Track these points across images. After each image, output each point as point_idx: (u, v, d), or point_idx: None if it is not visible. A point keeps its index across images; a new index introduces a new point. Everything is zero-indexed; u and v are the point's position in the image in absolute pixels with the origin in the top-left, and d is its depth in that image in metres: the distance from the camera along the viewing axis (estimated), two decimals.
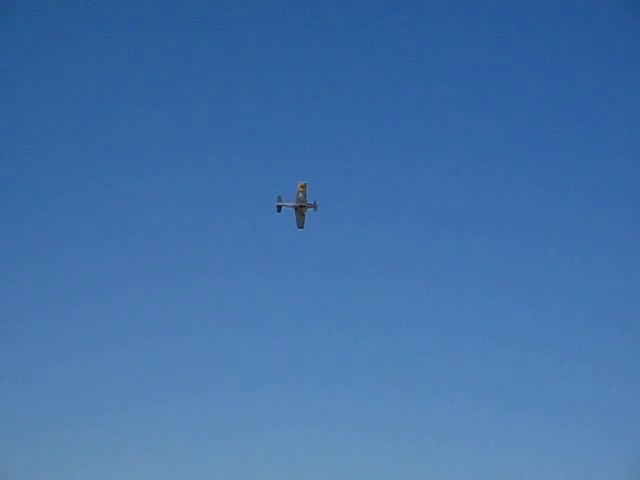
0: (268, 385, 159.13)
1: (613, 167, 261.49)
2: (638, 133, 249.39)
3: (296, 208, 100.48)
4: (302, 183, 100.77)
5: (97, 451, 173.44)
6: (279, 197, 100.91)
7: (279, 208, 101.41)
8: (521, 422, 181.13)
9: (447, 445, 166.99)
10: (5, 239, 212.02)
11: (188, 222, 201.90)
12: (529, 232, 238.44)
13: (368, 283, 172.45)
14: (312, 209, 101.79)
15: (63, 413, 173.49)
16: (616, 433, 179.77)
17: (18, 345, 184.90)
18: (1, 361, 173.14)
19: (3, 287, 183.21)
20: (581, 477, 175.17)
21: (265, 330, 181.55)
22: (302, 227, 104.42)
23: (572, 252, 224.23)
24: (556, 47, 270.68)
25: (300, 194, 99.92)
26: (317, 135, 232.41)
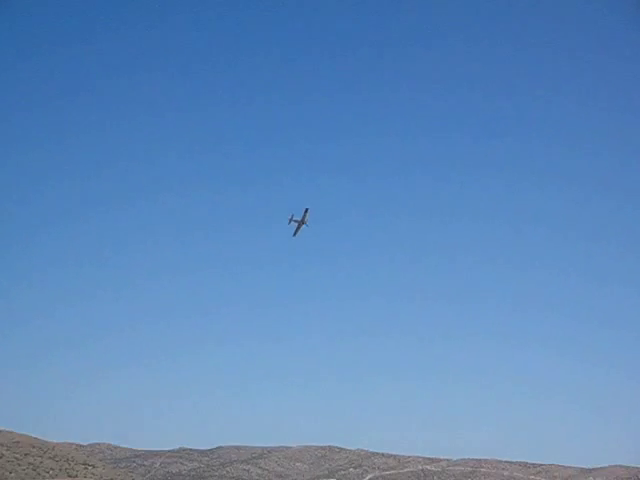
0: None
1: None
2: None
3: (299, 223, 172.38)
4: (306, 208, 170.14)
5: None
6: (292, 215, 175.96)
7: (289, 221, 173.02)
8: None
9: None
10: None
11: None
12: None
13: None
14: (305, 225, 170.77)
15: None
16: None
17: None
18: None
19: None
20: None
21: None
22: (295, 235, 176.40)
23: None
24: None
25: (304, 214, 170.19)
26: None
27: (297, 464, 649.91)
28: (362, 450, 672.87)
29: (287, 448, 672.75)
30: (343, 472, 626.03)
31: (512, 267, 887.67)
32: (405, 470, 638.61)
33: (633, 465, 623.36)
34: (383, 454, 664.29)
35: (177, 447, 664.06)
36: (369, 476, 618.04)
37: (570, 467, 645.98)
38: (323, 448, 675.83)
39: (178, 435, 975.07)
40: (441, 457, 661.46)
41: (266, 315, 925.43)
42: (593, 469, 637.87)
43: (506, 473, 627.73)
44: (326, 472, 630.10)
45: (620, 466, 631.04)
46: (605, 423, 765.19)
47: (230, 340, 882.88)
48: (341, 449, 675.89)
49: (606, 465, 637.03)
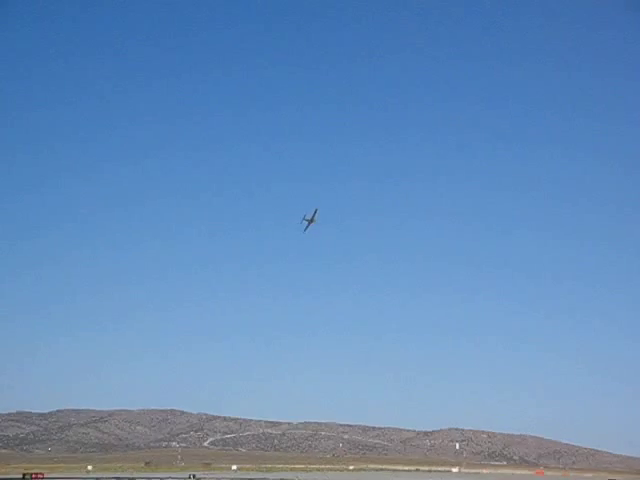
0: None
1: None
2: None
3: (309, 221, 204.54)
4: (315, 209, 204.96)
5: None
6: (305, 215, 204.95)
7: (303, 220, 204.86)
8: None
9: None
10: None
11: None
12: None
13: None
14: (314, 223, 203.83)
15: None
16: None
17: None
18: None
19: None
20: None
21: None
22: (305, 231, 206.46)
23: None
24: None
25: (314, 213, 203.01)
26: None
27: (138, 427, 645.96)
28: (203, 414, 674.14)
29: (128, 411, 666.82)
30: (184, 435, 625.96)
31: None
32: (246, 433, 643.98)
33: (468, 428, 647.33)
34: (224, 417, 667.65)
35: (14, 410, 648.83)
36: (210, 439, 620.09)
37: (408, 430, 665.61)
38: (164, 412, 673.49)
39: (15, 397, 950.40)
40: (282, 421, 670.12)
41: (111, 280, 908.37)
42: (430, 432, 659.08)
43: (346, 436, 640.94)
44: (167, 436, 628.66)
45: (456, 429, 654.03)
46: (442, 389, 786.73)
47: (69, 303, 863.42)
48: (182, 412, 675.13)
49: (442, 428, 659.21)
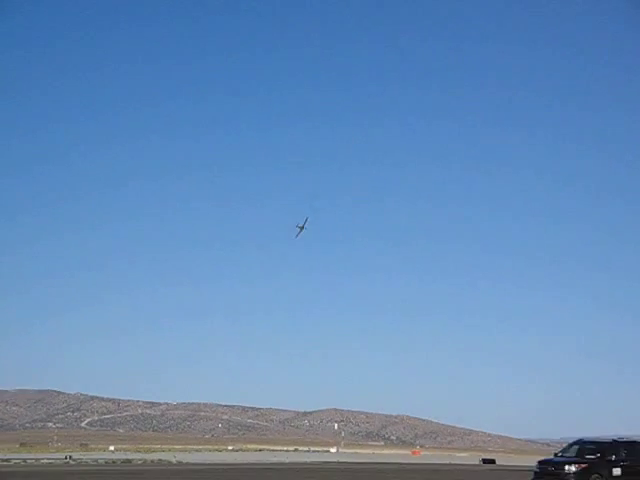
0: None
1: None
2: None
3: (301, 228, 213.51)
4: (306, 217, 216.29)
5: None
6: (298, 222, 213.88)
7: (297, 227, 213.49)
8: None
9: None
10: None
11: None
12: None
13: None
14: (304, 229, 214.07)
15: None
16: None
17: None
18: None
19: None
20: None
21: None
22: (297, 237, 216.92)
23: None
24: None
25: (305, 221, 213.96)
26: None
27: (13, 408, 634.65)
28: (81, 394, 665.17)
29: (2, 392, 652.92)
30: (61, 416, 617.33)
31: None
32: (124, 414, 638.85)
33: (346, 408, 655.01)
34: (102, 398, 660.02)
35: None
36: (87, 420, 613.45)
37: (287, 410, 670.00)
38: (40, 392, 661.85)
39: None
40: (160, 401, 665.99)
41: None
42: (309, 412, 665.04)
43: (225, 417, 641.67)
44: (44, 416, 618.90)
45: (334, 409, 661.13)
46: (321, 369, 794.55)
47: None
48: (59, 393, 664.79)
49: (321, 409, 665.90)
